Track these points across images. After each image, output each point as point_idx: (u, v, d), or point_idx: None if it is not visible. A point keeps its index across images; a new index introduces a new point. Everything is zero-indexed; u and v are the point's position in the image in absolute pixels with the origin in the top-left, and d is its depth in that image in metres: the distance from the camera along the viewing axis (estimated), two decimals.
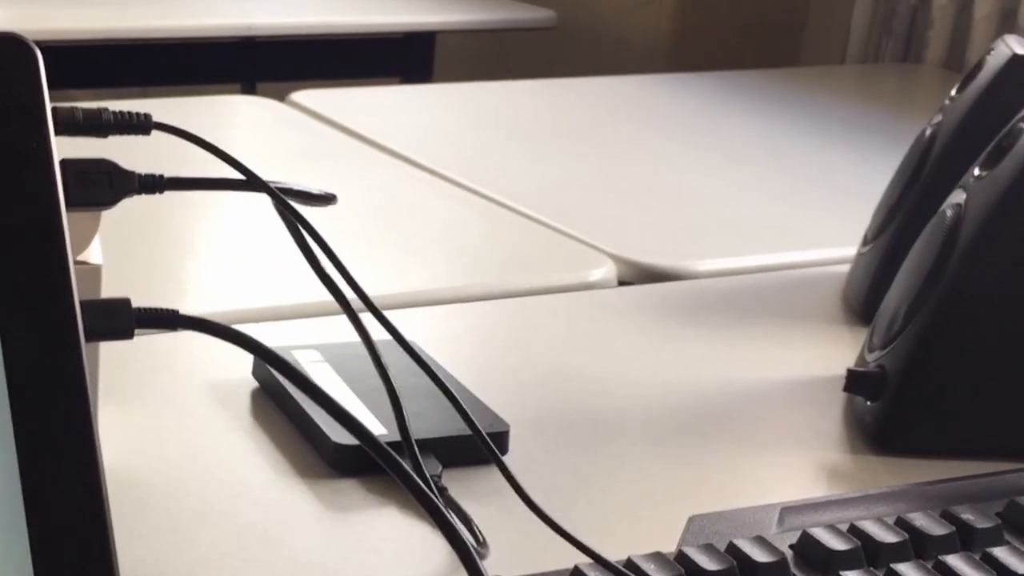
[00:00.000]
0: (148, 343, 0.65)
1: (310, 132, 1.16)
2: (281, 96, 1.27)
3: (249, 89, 2.06)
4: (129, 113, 0.40)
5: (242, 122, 1.22)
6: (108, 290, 0.52)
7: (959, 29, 1.76)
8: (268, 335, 0.68)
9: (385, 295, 0.78)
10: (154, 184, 0.40)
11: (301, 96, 1.26)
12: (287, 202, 0.41)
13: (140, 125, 0.40)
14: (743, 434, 0.62)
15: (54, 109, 0.39)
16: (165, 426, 0.59)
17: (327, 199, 0.44)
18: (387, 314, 0.76)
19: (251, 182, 0.41)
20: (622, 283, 0.86)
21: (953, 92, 0.78)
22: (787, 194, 1.08)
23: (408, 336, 0.66)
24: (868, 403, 0.61)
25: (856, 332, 0.74)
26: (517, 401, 0.63)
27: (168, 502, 0.52)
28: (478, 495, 0.54)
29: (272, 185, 0.41)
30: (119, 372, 0.61)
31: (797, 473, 0.59)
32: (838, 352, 0.71)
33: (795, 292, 0.83)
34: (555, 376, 0.68)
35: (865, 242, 0.81)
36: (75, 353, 0.36)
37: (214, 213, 0.92)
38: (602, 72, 1.64)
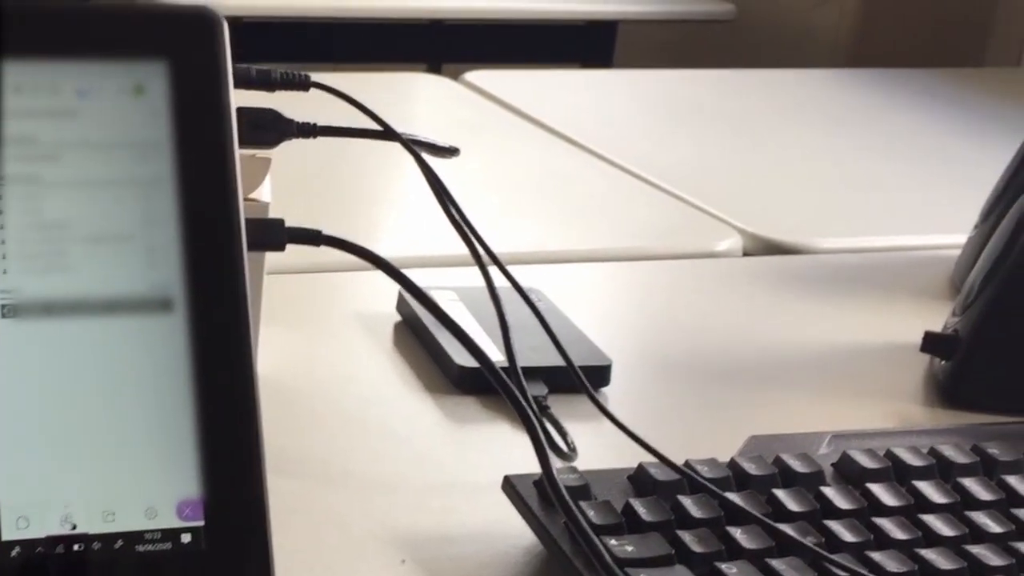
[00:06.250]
0: (308, 281, 0.76)
1: (476, 108, 1.25)
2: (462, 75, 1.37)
3: (434, 69, 2.18)
4: (292, 72, 0.50)
5: (415, 97, 1.32)
6: None
7: None
8: (413, 277, 0.78)
9: (526, 251, 0.88)
10: (309, 130, 0.50)
11: (474, 76, 1.36)
12: (413, 149, 0.50)
13: (300, 83, 0.50)
14: (827, 383, 0.69)
15: (233, 67, 0.48)
16: (316, 347, 0.69)
17: (451, 151, 0.53)
18: (528, 268, 0.86)
19: (386, 132, 0.50)
20: (747, 255, 0.94)
21: None
22: (925, 183, 1.13)
23: (543, 287, 0.75)
24: (942, 362, 0.68)
25: None
26: (628, 344, 0.72)
27: (312, 405, 0.62)
28: (579, 416, 0.62)
29: (403, 136, 0.50)
30: (281, 303, 0.71)
31: (869, 416, 0.66)
32: (935, 324, 0.78)
33: (908, 270, 0.90)
34: (667, 326, 0.76)
35: (975, 228, 0.86)
36: (238, 259, 0.46)
37: (374, 170, 1.02)
38: (780, 67, 1.69)
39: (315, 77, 0.55)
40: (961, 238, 0.90)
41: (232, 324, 0.45)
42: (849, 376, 0.71)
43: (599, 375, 0.66)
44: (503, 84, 1.33)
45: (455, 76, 1.38)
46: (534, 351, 0.64)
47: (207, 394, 0.45)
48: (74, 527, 0.42)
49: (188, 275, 0.45)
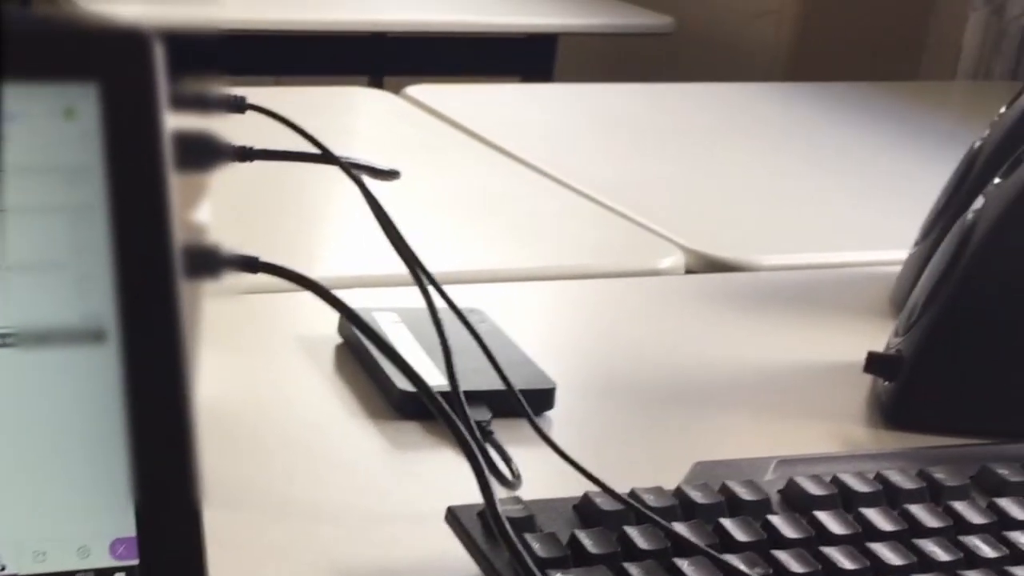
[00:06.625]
0: (247, 302, 0.74)
1: (418, 124, 1.24)
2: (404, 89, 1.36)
3: (376, 82, 2.16)
4: (227, 94, 0.49)
5: (356, 112, 1.31)
6: None
7: None
8: (354, 297, 0.77)
9: (469, 270, 0.87)
10: (245, 154, 0.49)
11: (415, 90, 1.35)
12: (353, 173, 0.49)
13: (236, 105, 0.49)
14: (770, 404, 0.69)
15: (167, 88, 0.47)
16: (258, 371, 0.67)
17: (391, 174, 0.52)
18: (470, 287, 0.85)
19: (325, 156, 0.49)
20: (689, 272, 0.93)
21: (1003, 108, 0.84)
22: (865, 198, 1.14)
23: (485, 307, 0.75)
24: (885, 383, 0.68)
25: None
26: (573, 366, 0.71)
27: (252, 433, 0.61)
28: (525, 441, 0.61)
29: (342, 159, 0.49)
30: (221, 326, 0.69)
31: (813, 438, 0.65)
32: (877, 343, 0.77)
33: (849, 288, 0.90)
34: (611, 347, 0.75)
35: (915, 245, 0.87)
36: (173, 287, 0.45)
37: (317, 188, 1.01)
38: (719, 79, 1.70)
39: (255, 91, 0.54)
40: (901, 254, 0.91)
41: (168, 355, 0.44)
42: (793, 397, 0.71)
43: (543, 399, 0.65)
44: (444, 99, 1.32)
45: (397, 88, 1.37)
46: (477, 374, 0.63)
47: (142, 428, 0.43)
48: (3, 568, 0.41)
49: (121, 305, 0.44)
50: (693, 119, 1.38)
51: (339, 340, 0.71)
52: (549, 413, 0.65)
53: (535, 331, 0.76)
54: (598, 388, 0.69)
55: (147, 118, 0.45)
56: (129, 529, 0.43)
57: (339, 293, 0.78)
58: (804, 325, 0.81)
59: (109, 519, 0.42)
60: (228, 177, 0.57)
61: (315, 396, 0.65)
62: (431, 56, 2.24)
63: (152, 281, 0.44)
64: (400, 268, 0.60)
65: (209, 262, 0.47)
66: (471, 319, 0.71)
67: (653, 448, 0.63)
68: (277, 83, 2.16)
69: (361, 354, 0.68)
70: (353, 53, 2.19)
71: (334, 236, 0.93)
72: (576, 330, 0.80)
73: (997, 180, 0.68)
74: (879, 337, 0.77)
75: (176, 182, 0.46)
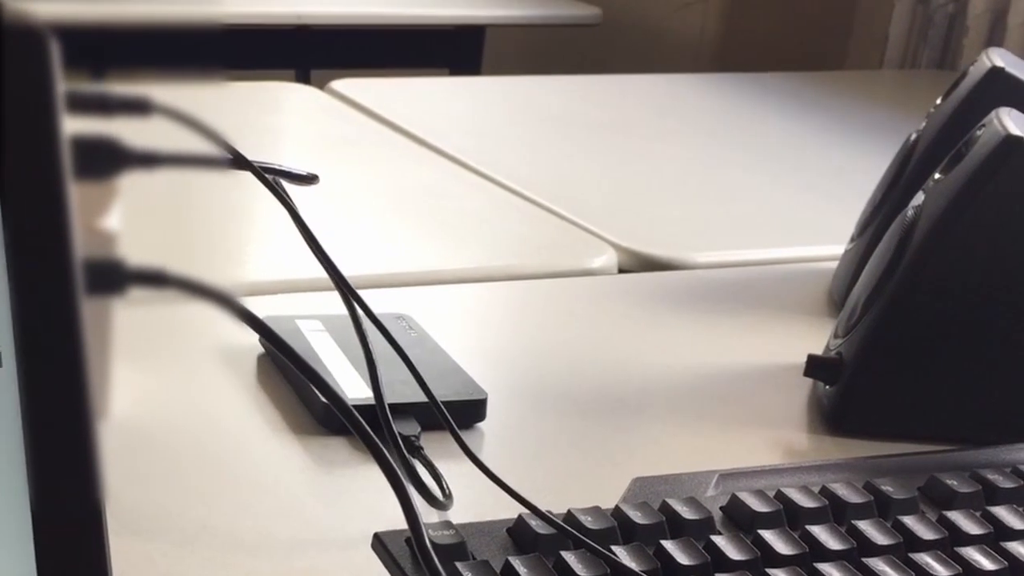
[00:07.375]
0: (165, 312, 0.71)
1: (343, 120, 1.21)
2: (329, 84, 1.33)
3: (303, 75, 2.13)
4: (129, 95, 0.46)
5: (280, 108, 1.28)
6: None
7: (994, 38, 1.79)
8: (277, 304, 0.74)
9: (396, 273, 0.84)
10: (152, 159, 0.45)
11: (340, 84, 1.32)
12: (268, 180, 0.46)
13: (140, 106, 0.46)
14: (710, 411, 0.67)
15: (64, 90, 0.44)
16: (175, 384, 0.64)
17: (309, 179, 0.49)
18: (397, 291, 0.82)
19: (238, 161, 0.46)
20: (622, 271, 0.91)
21: (939, 100, 0.82)
22: (798, 193, 1.12)
23: (413, 311, 0.72)
24: (826, 387, 0.66)
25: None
26: (504, 374, 0.69)
27: (169, 449, 0.58)
28: (457, 455, 0.58)
29: (257, 164, 0.46)
30: (136, 335, 0.66)
31: (754, 447, 0.63)
32: (816, 342, 0.76)
33: (785, 285, 0.88)
34: (544, 353, 0.72)
35: (851, 240, 0.85)
36: (73, 305, 0.42)
37: (238, 187, 0.97)
38: (646, 70, 1.68)
39: (171, 88, 0.51)
40: (838, 249, 0.89)
41: (69, 378, 0.41)
42: (733, 403, 0.68)
43: (474, 410, 0.62)
44: (371, 93, 1.29)
45: (324, 82, 1.34)
46: (406, 385, 0.60)
47: (43, 457, 0.40)
48: None
49: (18, 325, 0.41)
50: (622, 112, 1.36)
51: (261, 350, 0.68)
52: (481, 425, 0.62)
53: (465, 336, 0.73)
54: (531, 397, 0.67)
55: (43, 122, 0.42)
56: (30, 570, 0.39)
57: (261, 300, 0.75)
58: (742, 326, 0.79)
59: (8, 561, 0.39)
60: (139, 181, 0.54)
61: (235, 410, 0.62)
62: (358, 49, 2.21)
63: (51, 299, 0.41)
64: (324, 272, 0.57)
65: (112, 278, 0.44)
66: (398, 326, 0.69)
67: (590, 460, 0.61)
68: None
69: (283, 364, 0.65)
70: (279, 46, 2.15)
71: (255, 240, 0.90)
72: (507, 334, 0.77)
73: (937, 175, 0.66)
74: (818, 336, 0.76)
75: (78, 190, 0.43)
